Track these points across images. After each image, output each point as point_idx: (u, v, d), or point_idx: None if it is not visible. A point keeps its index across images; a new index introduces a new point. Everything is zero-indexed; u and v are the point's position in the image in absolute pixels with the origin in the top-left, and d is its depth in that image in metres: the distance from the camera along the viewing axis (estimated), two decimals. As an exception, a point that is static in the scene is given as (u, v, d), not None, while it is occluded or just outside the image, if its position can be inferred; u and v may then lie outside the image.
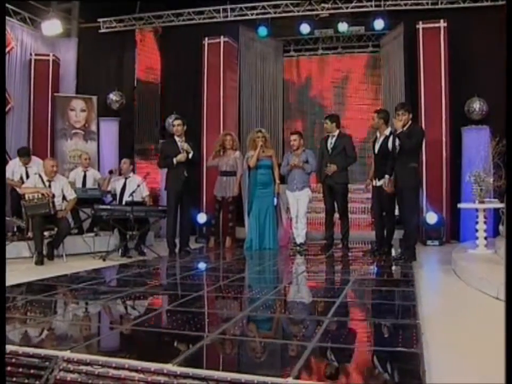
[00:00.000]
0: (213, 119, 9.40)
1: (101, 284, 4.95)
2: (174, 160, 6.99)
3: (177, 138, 7.16)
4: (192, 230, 8.19)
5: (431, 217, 8.15)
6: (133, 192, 6.95)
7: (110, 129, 10.17)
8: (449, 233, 8.41)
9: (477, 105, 8.40)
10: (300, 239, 7.35)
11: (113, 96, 10.22)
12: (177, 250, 7.02)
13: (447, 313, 3.72)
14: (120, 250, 6.87)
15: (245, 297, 4.35)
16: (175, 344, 2.87)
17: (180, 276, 5.52)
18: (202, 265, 6.46)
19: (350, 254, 6.98)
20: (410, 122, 6.07)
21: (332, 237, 7.23)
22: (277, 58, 11.33)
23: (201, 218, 8.67)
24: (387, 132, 6.46)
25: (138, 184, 7.15)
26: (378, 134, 6.76)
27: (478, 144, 8.00)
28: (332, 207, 7.15)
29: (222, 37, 9.53)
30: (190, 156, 7.03)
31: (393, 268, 5.76)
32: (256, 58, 10.71)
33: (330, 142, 7.12)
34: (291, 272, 5.96)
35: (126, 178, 7.48)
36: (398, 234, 6.86)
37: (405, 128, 6.02)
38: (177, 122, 7.27)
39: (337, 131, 7.17)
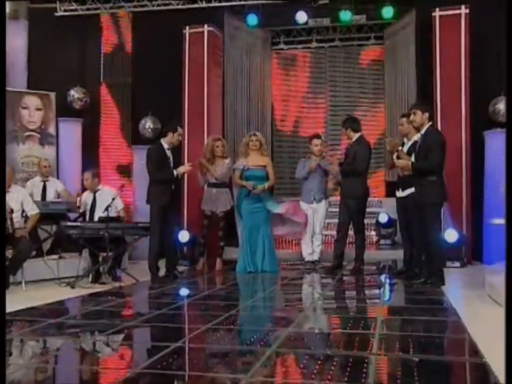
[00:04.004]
0: (196, 121, 9.23)
1: (70, 318, 4.71)
2: (175, 172, 6.80)
3: (165, 146, 6.90)
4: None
5: (451, 235, 8.01)
6: (108, 206, 6.67)
7: (71, 132, 9.97)
8: (471, 253, 8.36)
9: (503, 105, 8.38)
10: (315, 256, 7.49)
11: (74, 93, 10.05)
12: (161, 274, 6.82)
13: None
14: (90, 276, 6.63)
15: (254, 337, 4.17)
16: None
17: (169, 308, 5.15)
18: (191, 293, 6.25)
19: (366, 277, 7.00)
20: (428, 124, 5.98)
21: (342, 256, 7.22)
22: (265, 51, 11.25)
23: (183, 237, 8.43)
24: (416, 137, 6.34)
25: (113, 198, 6.91)
26: (405, 140, 6.69)
27: (504, 150, 8.00)
28: (344, 223, 7.15)
29: (205, 25, 9.40)
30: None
31: (421, 293, 5.64)
32: (242, 51, 10.61)
33: (346, 150, 7.19)
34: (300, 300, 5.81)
35: (94, 192, 7.21)
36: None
37: (422, 132, 5.99)
38: (181, 131, 7.18)
39: (356, 136, 7.13)
